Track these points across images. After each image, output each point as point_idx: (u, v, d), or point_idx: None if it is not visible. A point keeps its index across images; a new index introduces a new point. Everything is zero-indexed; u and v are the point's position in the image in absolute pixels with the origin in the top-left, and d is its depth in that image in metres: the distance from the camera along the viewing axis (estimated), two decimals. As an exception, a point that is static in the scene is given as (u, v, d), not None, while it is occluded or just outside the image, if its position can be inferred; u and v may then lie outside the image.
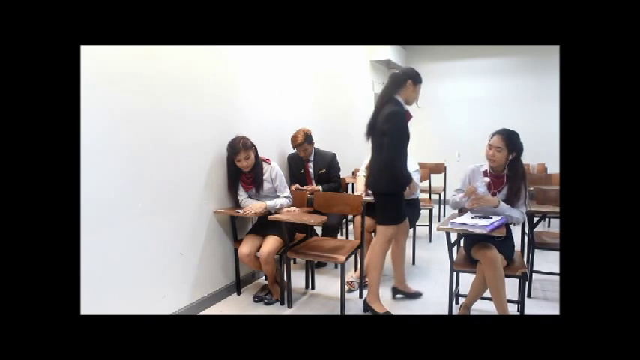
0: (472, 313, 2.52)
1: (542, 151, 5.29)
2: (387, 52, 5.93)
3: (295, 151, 3.53)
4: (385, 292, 2.99)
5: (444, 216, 5.14)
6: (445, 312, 2.55)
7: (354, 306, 2.79)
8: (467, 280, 2.52)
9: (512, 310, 2.49)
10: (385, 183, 2.46)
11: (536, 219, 2.88)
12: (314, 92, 4.22)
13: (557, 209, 2.70)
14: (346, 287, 2.78)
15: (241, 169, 2.78)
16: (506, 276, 2.26)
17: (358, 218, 3.06)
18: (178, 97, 2.47)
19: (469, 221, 2.24)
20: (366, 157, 3.43)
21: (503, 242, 2.33)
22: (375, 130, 2.48)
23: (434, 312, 2.68)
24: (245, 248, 2.71)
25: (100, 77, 1.98)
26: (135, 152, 2.19)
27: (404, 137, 2.43)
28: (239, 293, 2.98)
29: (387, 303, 2.71)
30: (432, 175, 4.51)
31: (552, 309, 2.68)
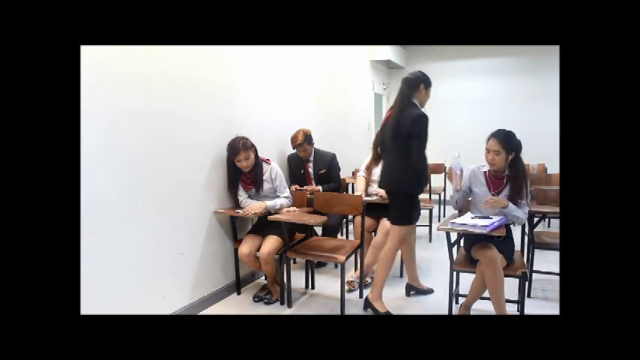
0: (472, 313, 2.52)
1: (542, 151, 5.29)
2: (387, 52, 5.93)
3: (295, 151, 3.53)
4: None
5: (444, 216, 5.14)
6: (445, 312, 2.55)
7: (354, 306, 2.79)
8: (467, 280, 2.52)
9: (512, 310, 2.49)
10: (410, 184, 2.51)
11: (536, 219, 2.88)
12: (314, 92, 4.22)
13: (557, 209, 2.70)
14: (346, 287, 2.78)
15: (241, 169, 2.78)
16: (506, 276, 2.26)
17: (358, 218, 3.06)
18: (178, 97, 2.47)
19: (469, 221, 2.24)
20: (366, 157, 3.45)
21: (503, 242, 2.33)
22: (397, 133, 2.51)
23: (434, 312, 2.68)
24: (245, 248, 2.71)
25: (100, 77, 1.98)
26: (135, 152, 2.19)
27: (427, 139, 2.53)
28: (239, 293, 2.98)
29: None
30: (432, 175, 4.51)
31: (552, 309, 2.68)
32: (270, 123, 3.41)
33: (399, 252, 3.32)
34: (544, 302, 2.81)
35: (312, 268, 3.11)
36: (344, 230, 4.09)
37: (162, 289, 2.42)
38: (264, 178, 2.86)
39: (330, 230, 3.41)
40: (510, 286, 2.42)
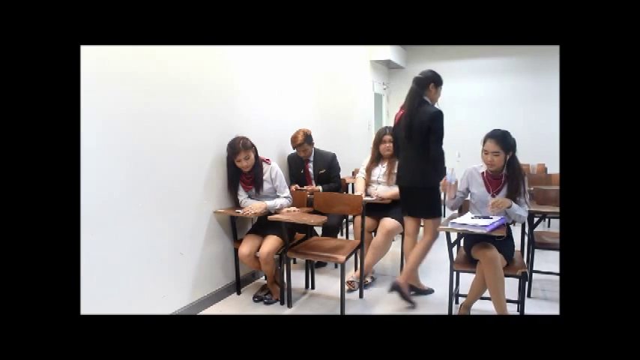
0: (472, 313, 2.52)
1: (542, 151, 5.30)
2: (387, 52, 5.94)
3: (295, 151, 3.53)
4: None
5: (444, 216, 5.14)
6: (445, 312, 2.55)
7: (354, 306, 2.79)
8: (467, 280, 2.52)
9: (512, 310, 2.49)
10: (430, 177, 2.62)
11: (536, 219, 2.88)
12: (314, 92, 4.22)
13: (557, 209, 2.70)
14: (346, 287, 2.78)
15: (241, 169, 2.78)
16: (506, 276, 2.26)
17: (358, 218, 3.06)
18: (178, 98, 2.47)
19: (469, 221, 2.24)
20: (365, 158, 3.45)
21: (503, 242, 2.33)
22: (412, 130, 2.63)
23: (434, 312, 2.68)
24: (245, 248, 2.71)
25: (100, 77, 1.98)
26: (135, 152, 2.19)
27: (444, 134, 2.64)
28: (239, 293, 2.98)
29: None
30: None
31: (552, 309, 2.68)
32: (270, 123, 3.41)
33: (399, 249, 3.34)
34: (544, 302, 2.81)
35: (312, 268, 3.11)
36: (344, 230, 4.09)
37: (163, 289, 2.42)
38: (264, 178, 2.86)
39: (330, 230, 3.41)
40: (510, 286, 2.42)
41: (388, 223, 3.03)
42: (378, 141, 3.31)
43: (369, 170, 3.35)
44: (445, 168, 2.63)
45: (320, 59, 4.33)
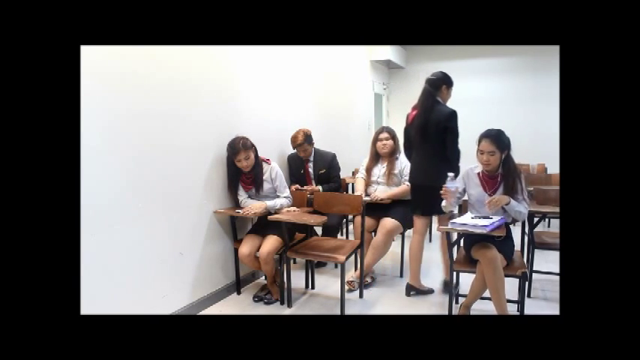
0: (472, 313, 2.52)
1: (542, 151, 5.29)
2: (387, 52, 5.94)
3: (295, 151, 3.53)
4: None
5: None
6: (445, 312, 2.55)
7: (354, 306, 2.80)
8: (467, 280, 2.52)
9: (512, 310, 2.49)
10: (445, 175, 2.63)
11: (536, 219, 2.88)
12: (314, 92, 4.22)
13: (557, 209, 2.70)
14: (346, 287, 2.78)
15: (241, 169, 2.78)
16: (506, 276, 2.26)
17: (358, 218, 3.06)
18: (178, 98, 2.47)
19: (469, 221, 2.24)
20: (364, 159, 3.45)
21: (503, 242, 2.33)
22: (427, 130, 2.72)
23: (434, 312, 2.68)
24: (245, 248, 2.71)
25: (100, 77, 1.98)
26: (135, 152, 2.19)
27: (459, 133, 2.76)
28: (239, 293, 2.98)
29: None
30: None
31: (552, 309, 2.68)
32: (270, 123, 3.41)
33: (399, 249, 3.35)
34: (544, 302, 2.81)
35: (312, 268, 3.11)
36: (344, 230, 4.09)
37: (163, 289, 2.42)
38: (264, 178, 2.86)
39: (330, 230, 3.41)
40: (510, 286, 2.42)
41: (388, 223, 3.03)
42: (375, 139, 3.32)
43: (369, 170, 3.35)
44: (459, 167, 2.69)
45: (320, 59, 4.33)
